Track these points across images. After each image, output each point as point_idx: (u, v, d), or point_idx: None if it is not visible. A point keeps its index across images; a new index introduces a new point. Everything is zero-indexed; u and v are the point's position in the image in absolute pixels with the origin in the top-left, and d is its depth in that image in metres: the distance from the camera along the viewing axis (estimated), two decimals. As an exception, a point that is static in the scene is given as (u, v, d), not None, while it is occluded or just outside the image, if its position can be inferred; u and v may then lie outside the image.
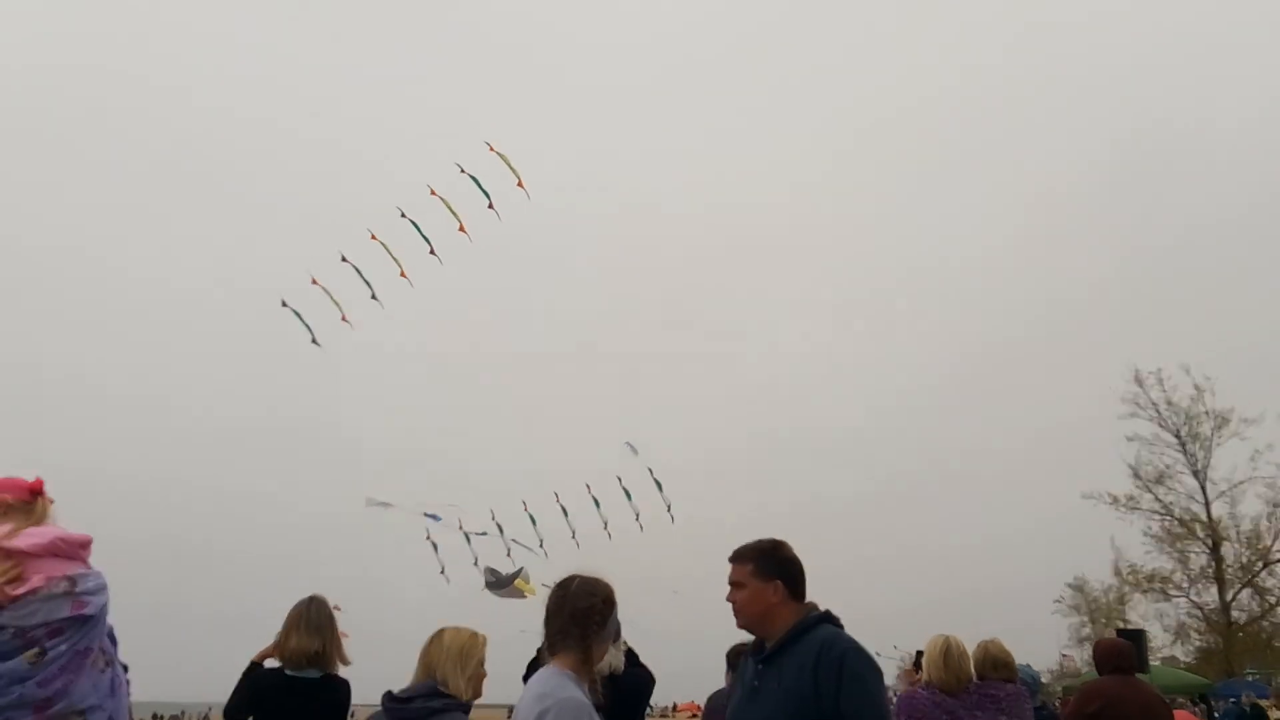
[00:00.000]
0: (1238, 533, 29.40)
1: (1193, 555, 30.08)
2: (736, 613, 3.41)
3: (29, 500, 3.02)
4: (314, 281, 16.06)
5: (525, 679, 5.14)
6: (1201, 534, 29.57)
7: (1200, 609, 30.25)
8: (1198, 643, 31.33)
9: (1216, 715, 21.30)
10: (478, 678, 3.75)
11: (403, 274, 16.43)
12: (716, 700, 5.59)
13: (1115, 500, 30.23)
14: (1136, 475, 30.18)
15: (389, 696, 3.58)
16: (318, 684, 4.61)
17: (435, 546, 16.47)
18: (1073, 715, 6.71)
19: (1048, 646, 45.01)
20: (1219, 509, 29.56)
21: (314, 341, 16.70)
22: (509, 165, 16.38)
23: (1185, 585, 30.25)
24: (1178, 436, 29.91)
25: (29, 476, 3.06)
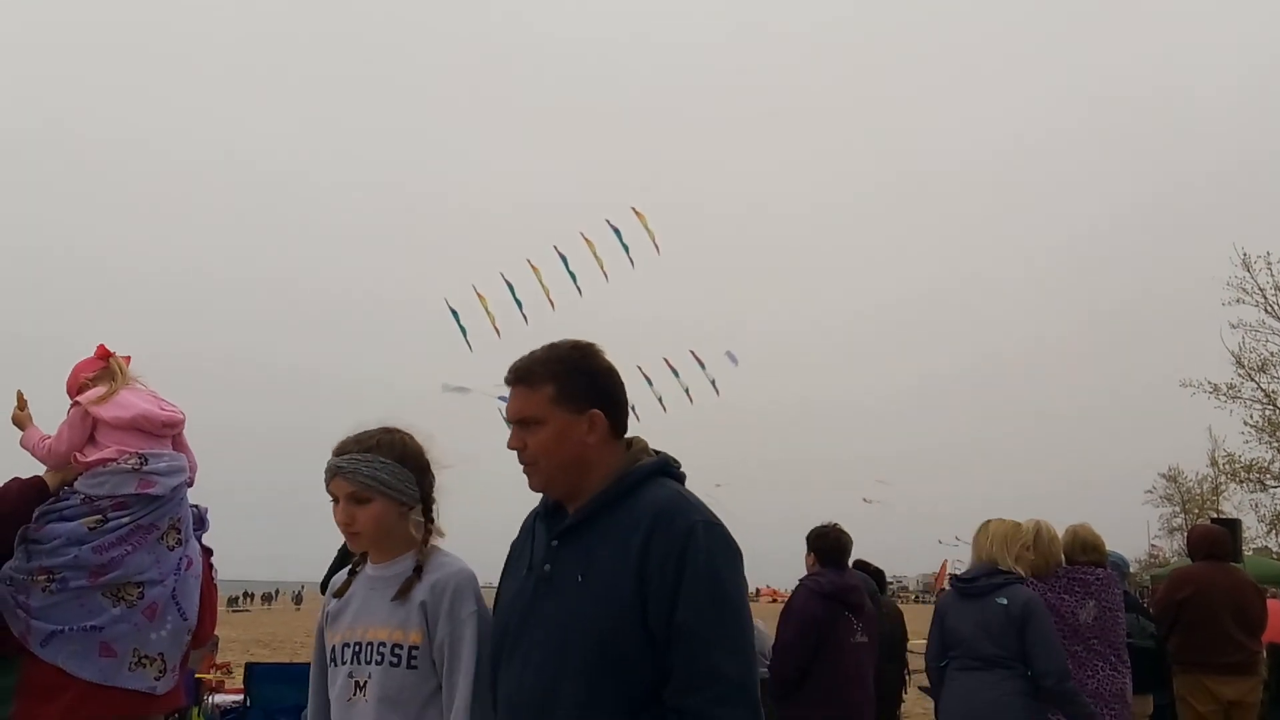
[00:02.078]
0: (1342, 421, 28.42)
1: (1293, 445, 29.20)
2: (530, 468, 2.17)
3: (104, 366, 3.07)
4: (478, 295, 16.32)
5: None
6: (1304, 423, 28.64)
7: (1298, 500, 29.51)
8: (1292, 533, 30.66)
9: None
10: (1024, 558, 4.53)
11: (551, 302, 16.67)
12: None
13: (1215, 389, 29.25)
14: (1239, 363, 29.08)
15: (955, 579, 4.68)
16: None
17: (453, 311, 16.40)
18: (1163, 600, 6.67)
19: (1138, 537, 44.55)
20: (1324, 397, 28.55)
21: (469, 346, 17.05)
22: (647, 229, 16.74)
23: (1284, 475, 29.48)
24: (1284, 323, 28.68)
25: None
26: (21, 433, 3.01)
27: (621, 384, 2.26)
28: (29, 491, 2.87)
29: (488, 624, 2.30)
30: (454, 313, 16.46)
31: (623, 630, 1.98)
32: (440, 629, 2.29)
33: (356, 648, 2.33)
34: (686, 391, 17.54)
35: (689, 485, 2.22)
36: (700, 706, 1.91)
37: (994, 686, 4.30)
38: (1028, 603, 4.37)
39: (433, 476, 2.47)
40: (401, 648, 2.29)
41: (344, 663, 2.35)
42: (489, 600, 2.33)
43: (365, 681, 2.29)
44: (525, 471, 2.19)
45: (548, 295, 16.44)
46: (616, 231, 16.60)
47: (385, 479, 2.32)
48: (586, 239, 16.47)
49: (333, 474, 2.34)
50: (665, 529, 2.03)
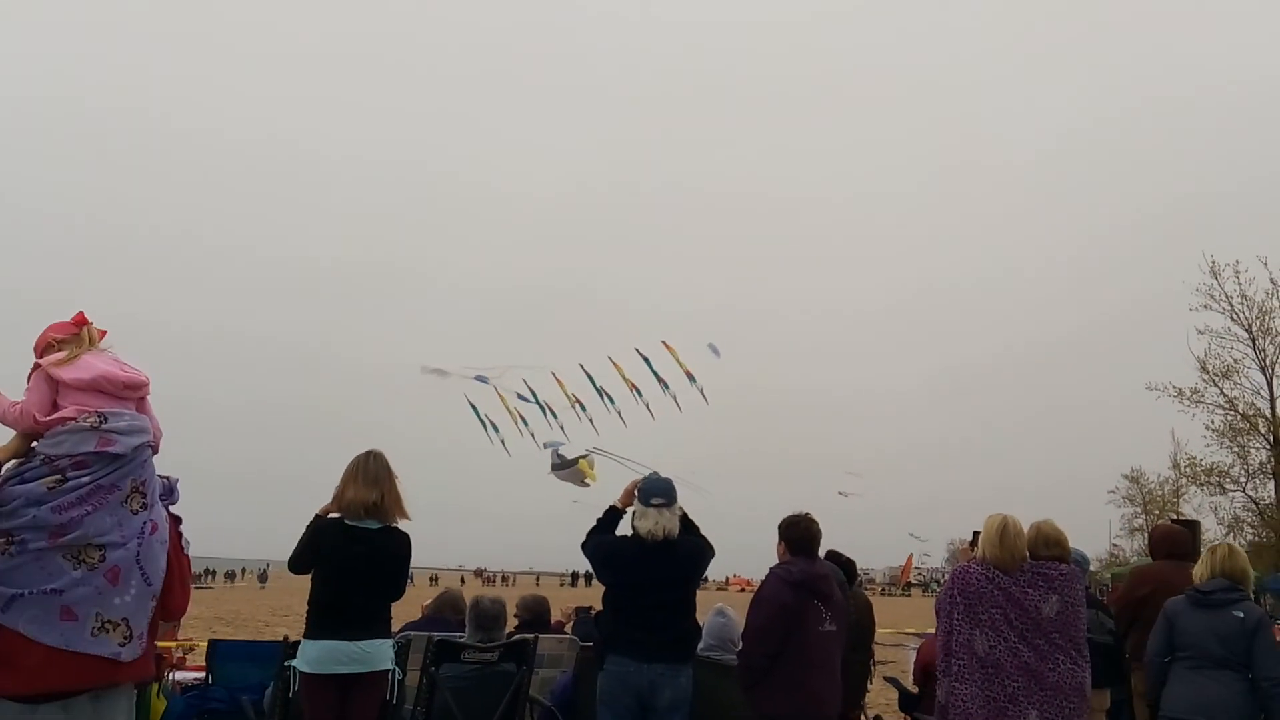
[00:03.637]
0: (1300, 430, 28.98)
1: (1253, 450, 29.71)
2: None
3: (75, 332, 3.08)
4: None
5: (585, 545, 5.31)
6: (1264, 429, 29.14)
7: (1256, 504, 30.05)
8: (1250, 536, 31.17)
9: (1266, 608, 21.36)
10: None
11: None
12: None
13: (1180, 393, 29.73)
14: (1204, 369, 29.59)
15: (1194, 590, 5.41)
16: (376, 534, 4.76)
17: (475, 409, 16.51)
18: (1124, 597, 6.78)
19: (1099, 537, 45.19)
20: (1284, 405, 29.08)
21: (491, 441, 17.20)
22: (678, 361, 17.05)
23: (1243, 480, 30.02)
24: (1249, 331, 29.16)
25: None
26: None
27: None
28: None
29: None
30: (474, 407, 16.66)
31: None
32: None
33: None
34: (675, 399, 17.55)
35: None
36: None
37: (1223, 685, 5.13)
38: (1260, 618, 5.24)
39: None
40: None
41: None
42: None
43: None
44: None
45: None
46: (646, 360, 16.90)
47: None
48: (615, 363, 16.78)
49: None
50: None
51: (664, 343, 17.07)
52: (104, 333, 3.12)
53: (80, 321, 3.09)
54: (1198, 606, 5.44)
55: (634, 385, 16.90)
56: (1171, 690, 5.41)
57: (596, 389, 16.71)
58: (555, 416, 16.27)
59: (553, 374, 16.21)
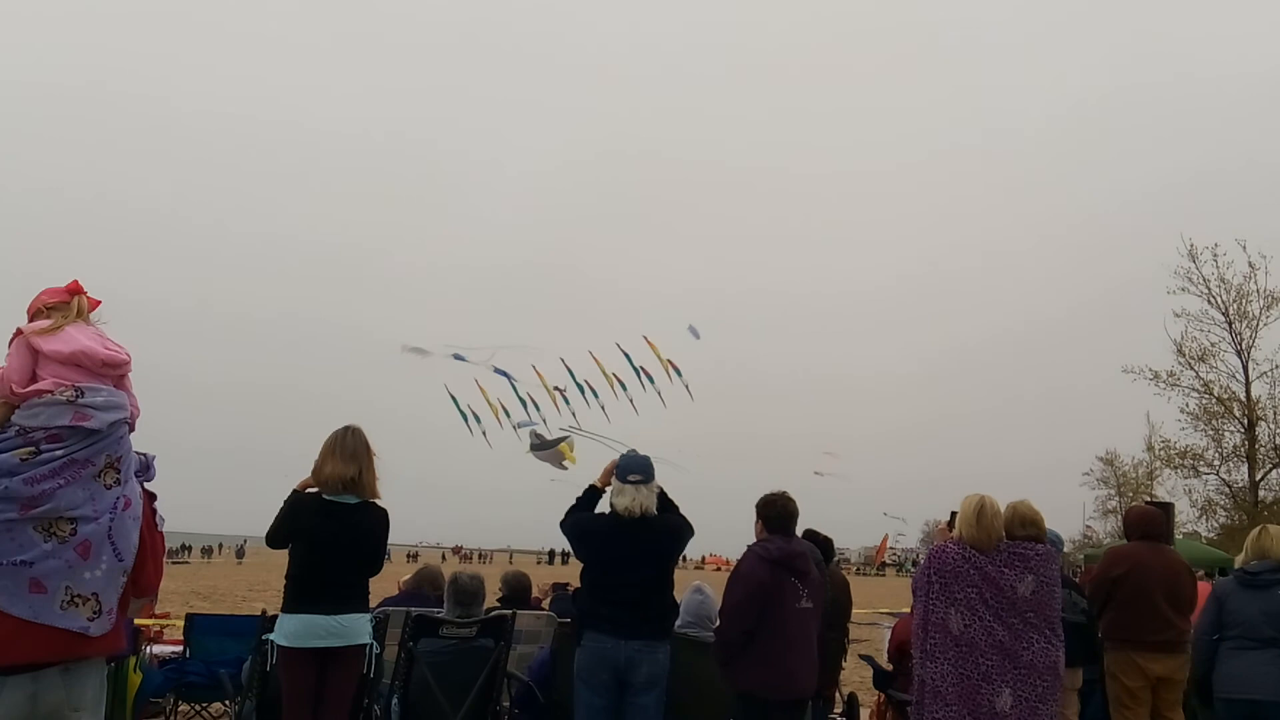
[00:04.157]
0: (1275, 413, 29.29)
1: (1227, 434, 30.06)
2: None
3: (66, 300, 3.04)
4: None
5: (563, 523, 5.32)
6: (1239, 413, 29.46)
7: (1229, 486, 30.40)
8: (1223, 520, 31.58)
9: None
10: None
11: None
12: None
13: (1156, 376, 30.01)
14: (1180, 351, 29.86)
15: (1241, 571, 5.64)
16: (354, 509, 4.76)
17: (456, 401, 16.60)
18: (1098, 576, 6.84)
19: (1073, 519, 45.71)
20: (1259, 389, 29.37)
21: (471, 432, 17.17)
22: (658, 356, 17.12)
23: (1217, 463, 30.35)
24: (1225, 314, 29.43)
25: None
26: None
27: None
28: None
29: None
30: (454, 398, 16.70)
31: None
32: None
33: None
34: (659, 394, 17.57)
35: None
36: None
37: (1272, 663, 5.33)
38: None
39: None
40: None
41: None
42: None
43: None
44: None
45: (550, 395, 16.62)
46: (627, 356, 16.95)
47: None
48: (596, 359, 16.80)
49: None
50: None
51: (645, 338, 17.21)
52: (97, 303, 3.09)
53: (74, 290, 3.05)
54: (1246, 587, 5.65)
55: (616, 378, 16.97)
56: (1223, 670, 5.62)
57: (578, 384, 16.80)
58: (538, 408, 16.34)
59: (533, 367, 16.28)
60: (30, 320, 3.02)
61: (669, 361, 16.98)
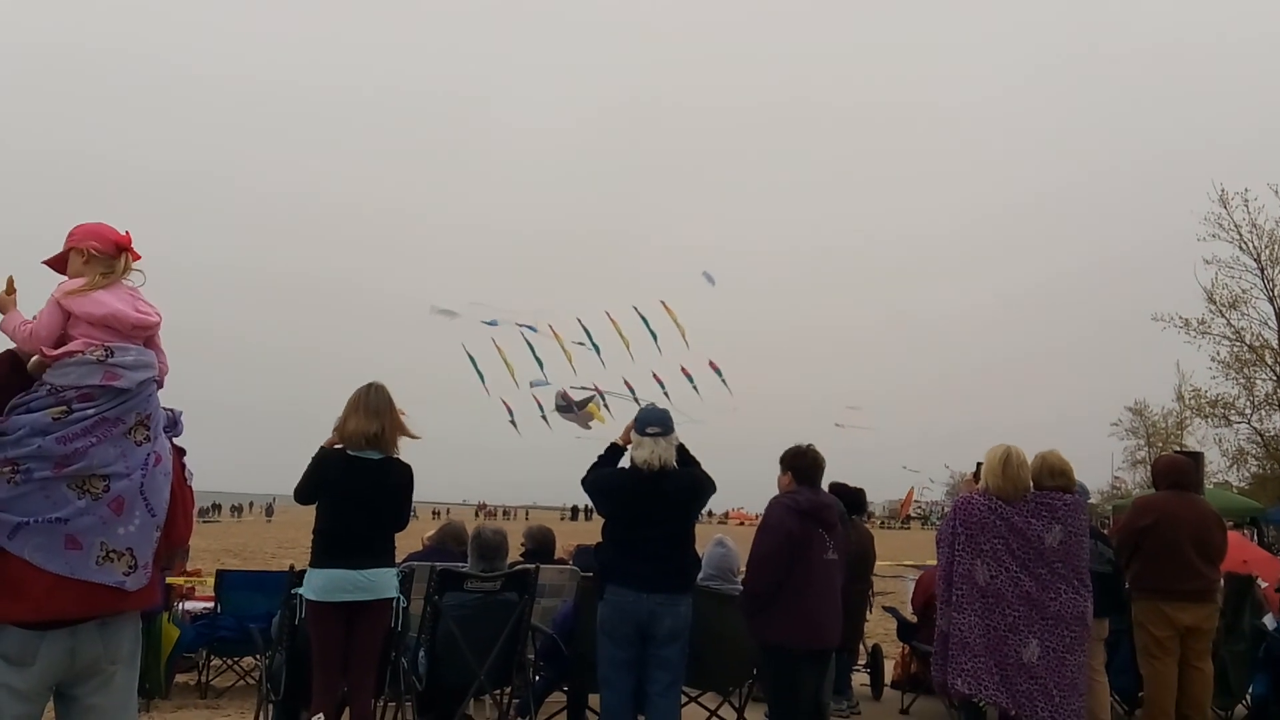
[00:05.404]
0: (1308, 361, 28.89)
1: (1259, 382, 29.65)
2: None
3: (114, 255, 3.02)
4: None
5: (585, 480, 5.31)
6: (1271, 361, 29.03)
7: (1260, 435, 30.08)
8: (1254, 469, 31.31)
9: (1268, 539, 21.56)
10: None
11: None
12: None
13: (1186, 324, 29.56)
14: (1211, 299, 29.37)
15: None
16: (378, 464, 4.78)
17: (472, 359, 16.75)
18: (1126, 526, 6.78)
19: (1101, 470, 45.51)
20: (1291, 336, 28.94)
21: (489, 393, 17.23)
22: (676, 323, 17.07)
23: (1248, 412, 30.01)
24: (1258, 260, 28.88)
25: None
26: (2, 315, 2.95)
27: None
28: (7, 366, 2.86)
29: None
30: (472, 359, 16.81)
31: None
32: None
33: None
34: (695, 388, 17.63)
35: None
36: None
37: None
38: None
39: None
40: None
41: None
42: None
43: None
44: None
45: (569, 359, 16.70)
46: (644, 319, 17.01)
47: None
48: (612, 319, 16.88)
49: None
50: None
51: (663, 302, 17.24)
52: (138, 256, 3.08)
53: (123, 245, 3.03)
54: None
55: (657, 380, 17.08)
56: None
57: (594, 345, 16.89)
58: (543, 371, 16.48)
59: (549, 326, 16.35)
60: (67, 250, 3.02)
61: (683, 329, 17.10)
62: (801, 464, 5.23)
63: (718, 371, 17.50)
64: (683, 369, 17.19)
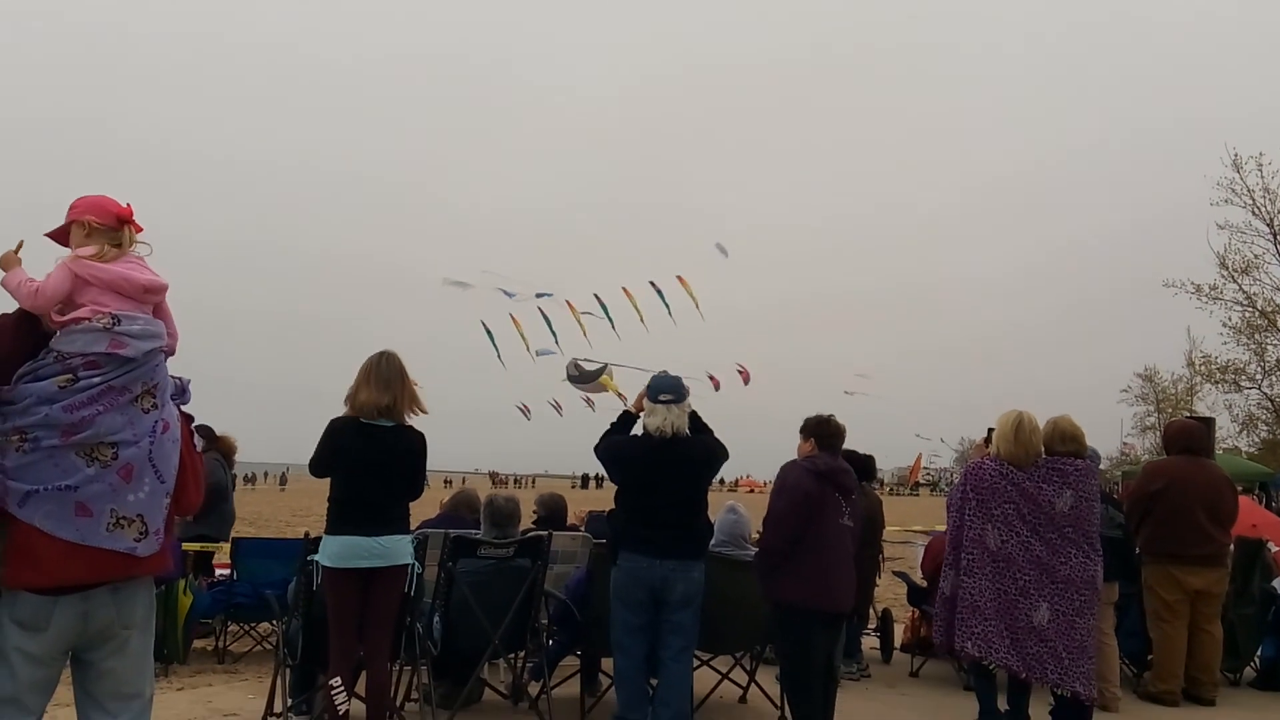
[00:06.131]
0: (1320, 327, 28.73)
1: (1270, 347, 29.52)
2: None
3: (115, 228, 3.02)
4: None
5: (597, 447, 5.33)
6: (1282, 326, 28.91)
7: (1271, 401, 29.99)
8: (1264, 434, 31.25)
9: (1277, 504, 21.54)
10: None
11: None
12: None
13: (1198, 289, 29.36)
14: (1223, 264, 29.15)
15: None
16: (390, 431, 4.80)
17: (489, 331, 16.87)
18: (1137, 491, 6.79)
19: (1111, 435, 45.47)
20: (1305, 302, 28.77)
21: (505, 366, 17.31)
22: (691, 296, 17.31)
23: (1259, 377, 29.90)
24: (1270, 225, 28.62)
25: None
26: (4, 273, 2.94)
27: None
28: (20, 325, 2.85)
29: None
30: (489, 332, 16.92)
31: None
32: None
33: None
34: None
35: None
36: None
37: None
38: None
39: None
40: None
41: None
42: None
43: None
44: None
45: (583, 330, 16.81)
46: (660, 293, 17.12)
47: None
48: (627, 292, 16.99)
49: None
50: None
51: (679, 277, 17.33)
52: (140, 228, 3.08)
53: (124, 218, 3.04)
54: None
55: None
56: None
57: (608, 318, 16.95)
58: (557, 340, 16.56)
59: (568, 303, 16.39)
60: (69, 223, 3.02)
61: (697, 300, 17.17)
62: (824, 431, 5.23)
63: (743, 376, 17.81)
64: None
